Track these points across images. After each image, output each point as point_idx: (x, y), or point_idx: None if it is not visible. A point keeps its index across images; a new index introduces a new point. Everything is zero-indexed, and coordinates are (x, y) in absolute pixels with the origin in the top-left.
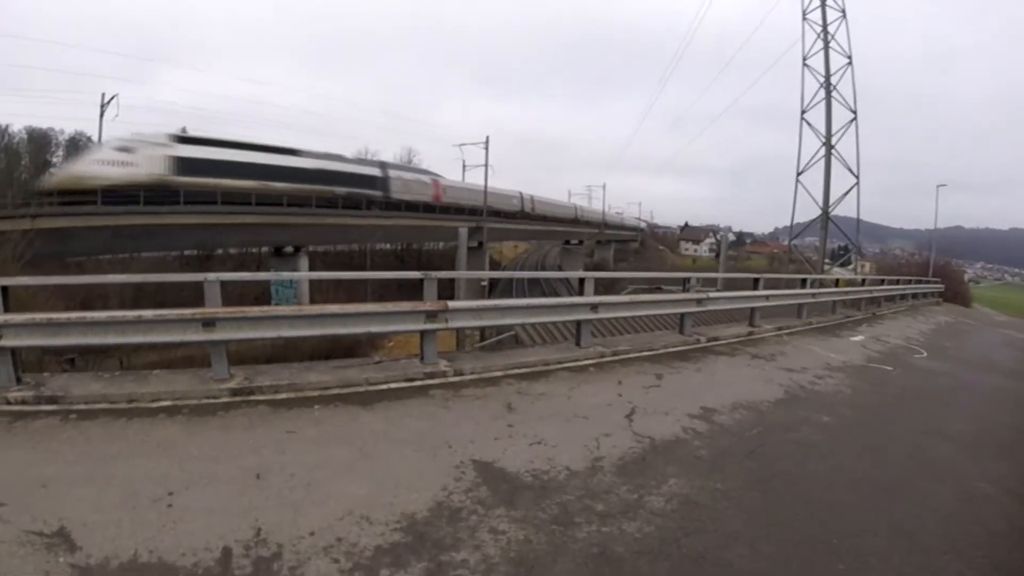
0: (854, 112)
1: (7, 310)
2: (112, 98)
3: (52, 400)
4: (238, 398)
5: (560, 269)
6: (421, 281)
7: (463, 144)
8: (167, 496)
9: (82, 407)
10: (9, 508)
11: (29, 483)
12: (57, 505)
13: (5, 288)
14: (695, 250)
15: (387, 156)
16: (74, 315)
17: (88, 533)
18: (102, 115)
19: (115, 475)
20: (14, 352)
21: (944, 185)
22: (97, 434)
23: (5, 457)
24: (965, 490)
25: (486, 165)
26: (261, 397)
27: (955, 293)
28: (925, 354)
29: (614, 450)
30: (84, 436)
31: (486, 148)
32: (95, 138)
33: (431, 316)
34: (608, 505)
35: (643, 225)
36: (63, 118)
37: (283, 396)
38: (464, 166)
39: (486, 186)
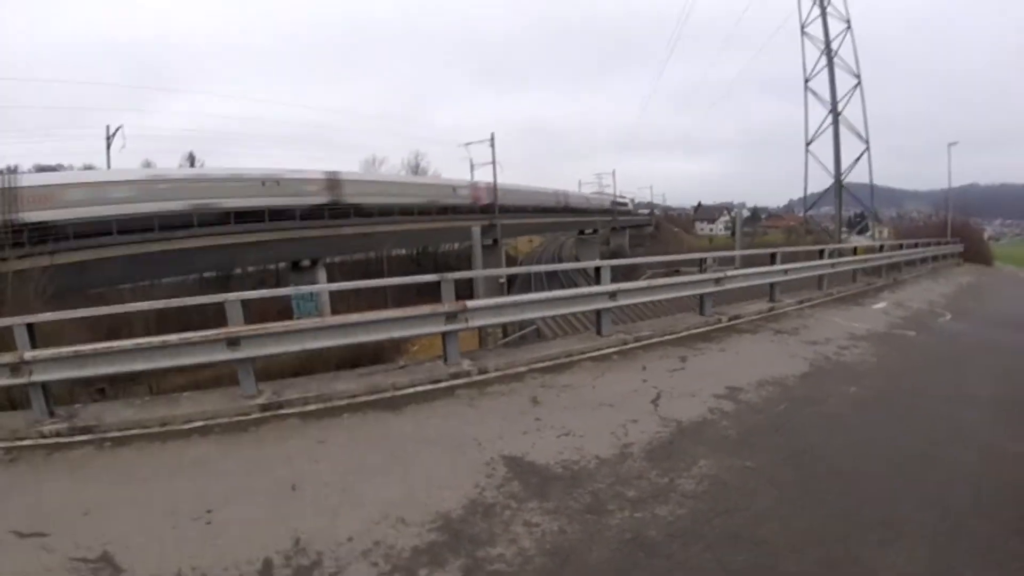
0: (858, 77)
1: (35, 346)
2: (118, 129)
3: (86, 430)
4: (268, 413)
5: (577, 260)
6: (439, 283)
7: (469, 143)
8: (206, 513)
9: (116, 434)
10: (53, 538)
11: (70, 511)
12: (99, 530)
13: (31, 325)
14: (711, 229)
15: (394, 162)
16: (100, 346)
17: (131, 555)
18: (109, 146)
19: (154, 496)
20: (45, 386)
21: (956, 143)
22: (133, 458)
23: (45, 488)
24: (993, 452)
25: (494, 162)
26: (291, 410)
27: (976, 252)
28: (949, 316)
29: (642, 436)
30: (121, 461)
31: (492, 145)
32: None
33: (451, 317)
34: (639, 491)
35: (629, 204)
36: (70, 153)
37: (312, 408)
38: (472, 165)
39: (495, 183)
